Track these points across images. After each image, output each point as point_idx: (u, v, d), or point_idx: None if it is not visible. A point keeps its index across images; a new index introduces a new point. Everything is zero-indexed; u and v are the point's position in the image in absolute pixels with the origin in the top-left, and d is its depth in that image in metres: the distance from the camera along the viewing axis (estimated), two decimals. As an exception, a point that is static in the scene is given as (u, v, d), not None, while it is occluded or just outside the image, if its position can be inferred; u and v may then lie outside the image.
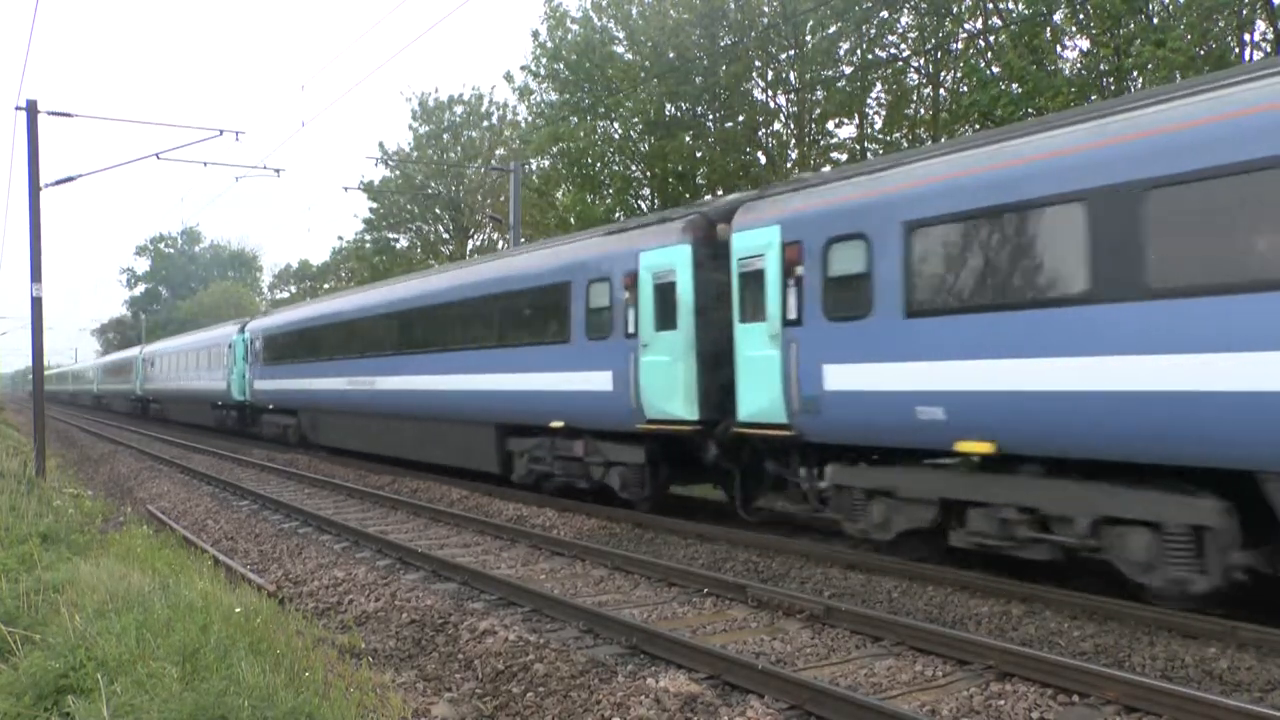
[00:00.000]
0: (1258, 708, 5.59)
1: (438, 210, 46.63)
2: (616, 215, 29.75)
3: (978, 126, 21.95)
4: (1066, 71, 21.44)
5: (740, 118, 30.01)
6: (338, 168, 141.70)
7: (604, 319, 13.46)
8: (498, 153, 43.83)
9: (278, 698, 5.07)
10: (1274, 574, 8.07)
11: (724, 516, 13.33)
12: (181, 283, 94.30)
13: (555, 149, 32.05)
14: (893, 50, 28.07)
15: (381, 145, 50.11)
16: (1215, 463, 7.19)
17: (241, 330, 32.15)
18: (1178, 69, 16.71)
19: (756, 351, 11.11)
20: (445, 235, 47.80)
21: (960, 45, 25.75)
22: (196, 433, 37.77)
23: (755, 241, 11.20)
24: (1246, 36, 19.61)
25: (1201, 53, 18.18)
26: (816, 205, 10.59)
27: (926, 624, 7.76)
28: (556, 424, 14.40)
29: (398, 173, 46.93)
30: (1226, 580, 7.41)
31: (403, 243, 48.69)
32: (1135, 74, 18.89)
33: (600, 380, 13.39)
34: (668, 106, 30.25)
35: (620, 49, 31.59)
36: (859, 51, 28.32)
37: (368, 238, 49.57)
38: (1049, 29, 21.53)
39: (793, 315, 10.65)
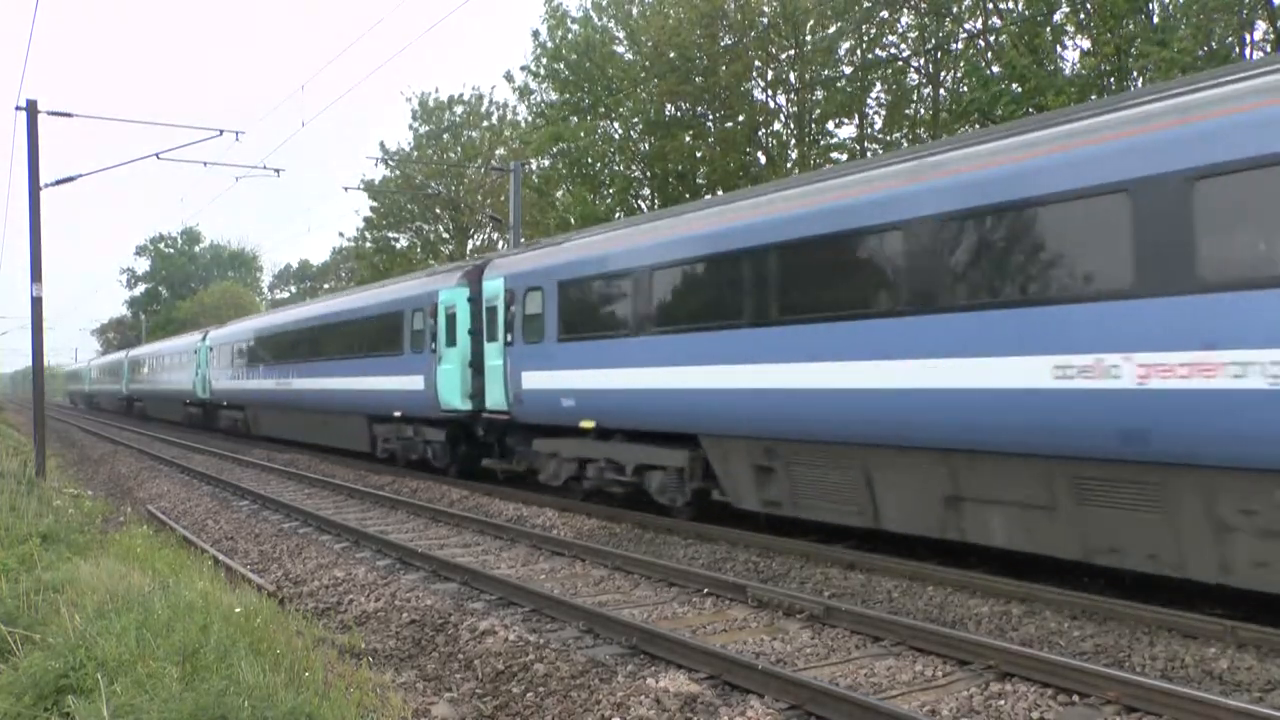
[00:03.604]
0: (1258, 708, 5.59)
1: (438, 210, 46.69)
2: (616, 215, 29.77)
3: (978, 126, 21.95)
4: (1067, 71, 21.46)
5: (740, 118, 30.04)
6: (338, 168, 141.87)
7: None
8: (498, 153, 43.88)
9: (278, 698, 5.07)
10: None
11: (724, 516, 13.26)
12: (181, 283, 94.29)
13: (555, 149, 32.09)
14: (893, 50, 28.11)
15: (382, 145, 50.22)
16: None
17: (468, 281, 17.23)
18: (1180, 70, 16.71)
19: None
20: (445, 235, 47.86)
21: (960, 45, 25.77)
22: (197, 433, 36.07)
23: None
24: (1247, 36, 19.64)
25: (1203, 53, 18.19)
26: None
27: (926, 624, 7.75)
28: None
29: (398, 173, 46.99)
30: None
31: (403, 242, 48.79)
32: (1136, 74, 18.90)
33: None
34: (668, 106, 30.28)
35: (620, 49, 31.64)
36: (859, 51, 28.36)
37: (368, 236, 49.65)
38: (1049, 28, 21.55)
39: None
